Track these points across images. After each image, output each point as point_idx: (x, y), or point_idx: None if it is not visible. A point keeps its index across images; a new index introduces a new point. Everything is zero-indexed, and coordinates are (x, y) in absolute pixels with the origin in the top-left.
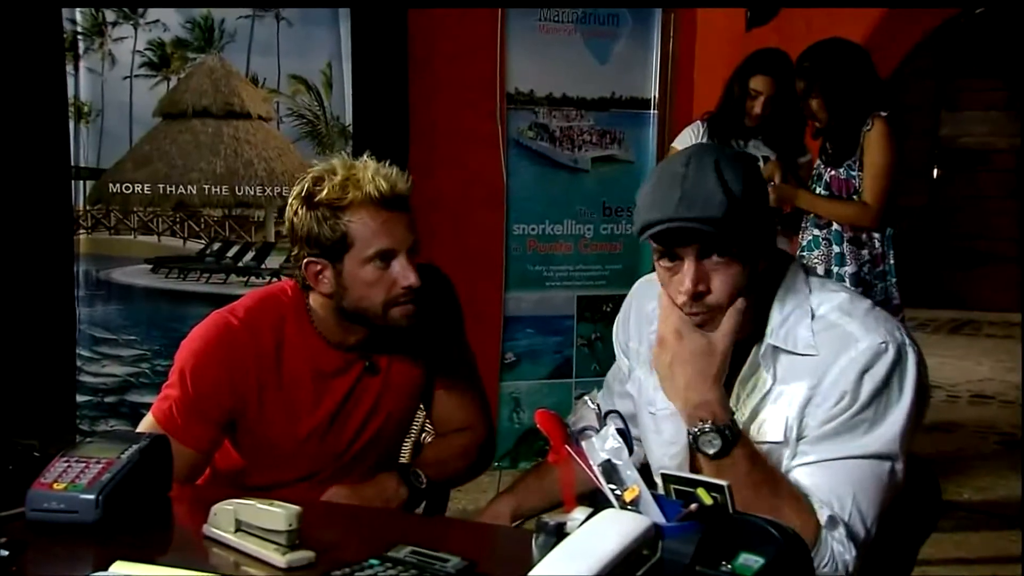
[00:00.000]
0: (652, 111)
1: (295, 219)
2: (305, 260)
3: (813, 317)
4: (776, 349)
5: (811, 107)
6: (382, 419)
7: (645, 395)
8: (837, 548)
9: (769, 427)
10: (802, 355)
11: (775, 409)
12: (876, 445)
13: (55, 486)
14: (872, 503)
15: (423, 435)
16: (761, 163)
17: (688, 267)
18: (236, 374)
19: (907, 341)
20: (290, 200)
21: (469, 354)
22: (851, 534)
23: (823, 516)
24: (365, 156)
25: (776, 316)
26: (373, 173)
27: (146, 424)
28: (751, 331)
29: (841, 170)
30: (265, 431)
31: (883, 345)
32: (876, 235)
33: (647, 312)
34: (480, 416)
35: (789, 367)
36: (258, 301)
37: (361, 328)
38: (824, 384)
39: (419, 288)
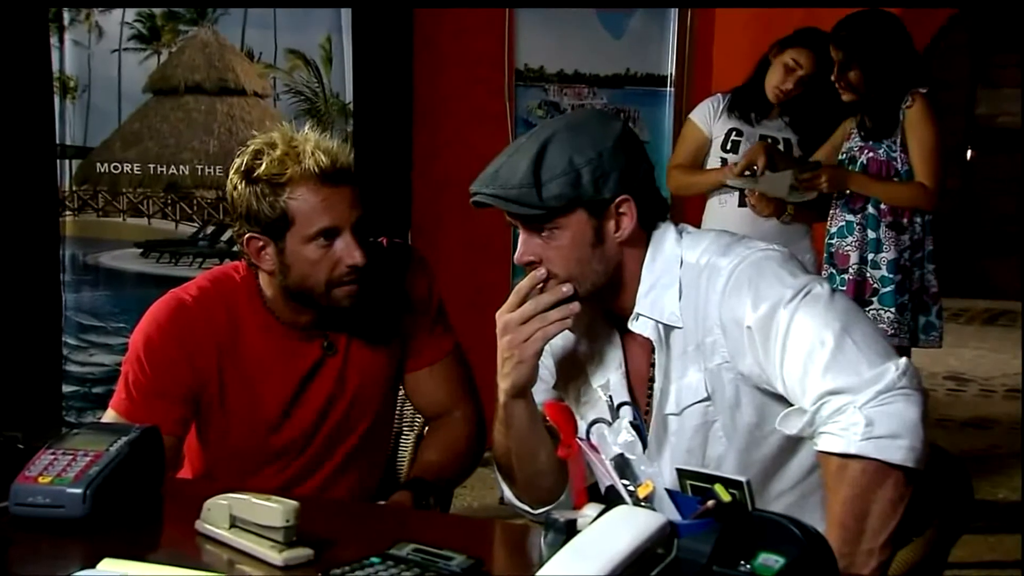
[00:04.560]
0: (668, 88)
1: (235, 194)
2: (246, 236)
3: (682, 265)
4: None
5: (849, 79)
6: (346, 403)
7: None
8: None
9: (686, 392)
10: (668, 325)
11: (685, 371)
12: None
13: (40, 480)
14: (865, 336)
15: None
16: (781, 146)
17: (520, 236)
18: (193, 350)
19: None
20: (230, 174)
21: (449, 333)
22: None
23: (842, 398)
24: (306, 127)
25: (645, 283)
26: (313, 147)
27: (107, 419)
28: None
29: (881, 151)
30: (227, 413)
31: (738, 262)
32: (917, 219)
33: None
34: (465, 396)
35: (670, 331)
36: (210, 280)
37: (309, 308)
38: (711, 323)
39: (365, 267)
